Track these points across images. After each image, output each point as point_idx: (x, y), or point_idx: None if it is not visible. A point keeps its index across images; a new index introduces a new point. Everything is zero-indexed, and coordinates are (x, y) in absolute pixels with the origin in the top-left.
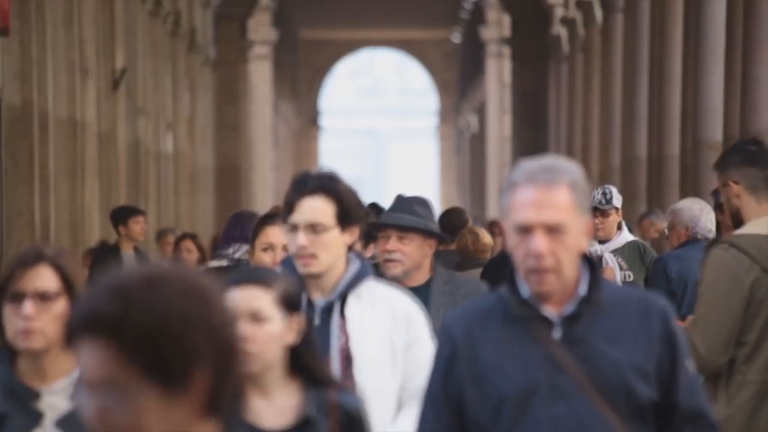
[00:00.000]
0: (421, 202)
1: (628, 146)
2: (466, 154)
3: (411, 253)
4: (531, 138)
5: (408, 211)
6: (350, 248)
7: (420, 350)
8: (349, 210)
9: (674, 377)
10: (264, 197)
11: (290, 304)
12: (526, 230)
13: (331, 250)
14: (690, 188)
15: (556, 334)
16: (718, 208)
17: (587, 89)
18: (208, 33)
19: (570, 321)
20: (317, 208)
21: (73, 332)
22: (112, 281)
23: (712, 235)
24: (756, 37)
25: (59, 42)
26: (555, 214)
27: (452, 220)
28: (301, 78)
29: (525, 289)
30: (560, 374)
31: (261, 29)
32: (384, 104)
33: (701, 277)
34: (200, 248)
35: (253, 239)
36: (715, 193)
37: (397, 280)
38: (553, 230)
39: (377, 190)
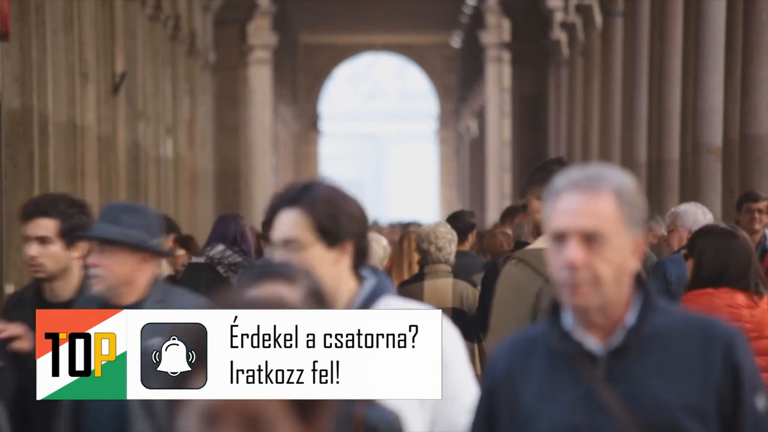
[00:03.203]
0: (133, 211)
1: (627, 150)
2: (466, 159)
3: (113, 267)
4: (531, 142)
5: (113, 221)
6: (359, 263)
7: (450, 376)
8: (331, 223)
9: (737, 416)
10: (264, 201)
11: (317, 300)
12: (560, 238)
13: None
14: (690, 192)
15: (600, 370)
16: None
17: (587, 93)
18: (208, 37)
19: (616, 355)
20: (291, 222)
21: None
22: None
23: None
24: (756, 40)
25: (59, 46)
26: (593, 221)
27: (463, 221)
28: (300, 82)
29: (568, 320)
30: (603, 416)
31: (261, 33)
32: (384, 108)
33: (495, 291)
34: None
35: None
36: (524, 207)
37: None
38: (590, 239)
39: (377, 195)
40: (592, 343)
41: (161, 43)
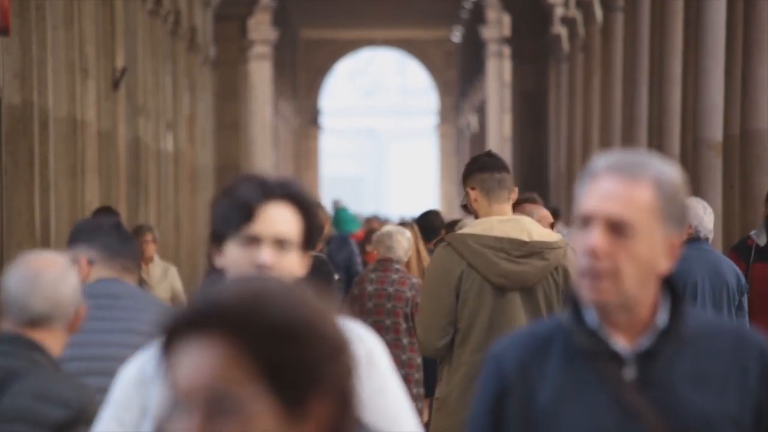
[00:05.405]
0: None
1: (627, 145)
2: (466, 154)
3: None
4: (531, 138)
5: None
6: None
7: (389, 397)
8: (315, 229)
9: None
10: None
11: None
12: (587, 222)
13: (292, 276)
14: (690, 187)
15: (629, 373)
16: None
17: (587, 89)
18: (208, 32)
19: (646, 358)
20: (287, 220)
21: (178, 331)
22: (235, 284)
23: (712, 235)
24: (756, 37)
25: (59, 41)
26: (622, 209)
27: (430, 221)
28: (301, 77)
29: (592, 317)
30: (632, 423)
31: (261, 29)
32: (384, 104)
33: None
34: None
35: None
36: (464, 207)
37: None
38: (617, 229)
39: (377, 190)
40: (620, 343)
41: (161, 38)
